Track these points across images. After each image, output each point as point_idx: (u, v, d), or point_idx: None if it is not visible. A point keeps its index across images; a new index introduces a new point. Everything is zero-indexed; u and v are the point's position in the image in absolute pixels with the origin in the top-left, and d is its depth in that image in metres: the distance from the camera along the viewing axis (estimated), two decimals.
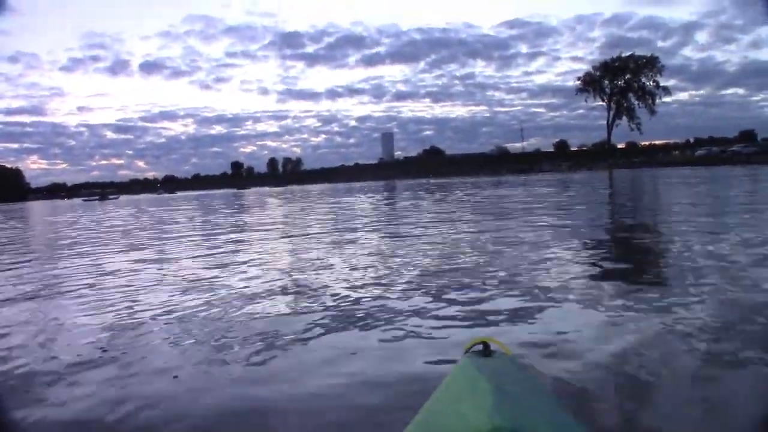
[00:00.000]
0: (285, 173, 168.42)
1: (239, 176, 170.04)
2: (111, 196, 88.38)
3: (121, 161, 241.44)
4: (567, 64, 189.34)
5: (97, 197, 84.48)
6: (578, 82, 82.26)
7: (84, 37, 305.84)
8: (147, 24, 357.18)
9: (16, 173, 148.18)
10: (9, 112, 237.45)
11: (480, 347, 1.55)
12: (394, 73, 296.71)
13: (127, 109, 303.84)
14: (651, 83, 76.24)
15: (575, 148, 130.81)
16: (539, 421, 1.06)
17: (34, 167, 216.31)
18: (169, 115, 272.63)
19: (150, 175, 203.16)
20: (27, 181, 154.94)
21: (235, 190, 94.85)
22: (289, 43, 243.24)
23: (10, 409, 2.83)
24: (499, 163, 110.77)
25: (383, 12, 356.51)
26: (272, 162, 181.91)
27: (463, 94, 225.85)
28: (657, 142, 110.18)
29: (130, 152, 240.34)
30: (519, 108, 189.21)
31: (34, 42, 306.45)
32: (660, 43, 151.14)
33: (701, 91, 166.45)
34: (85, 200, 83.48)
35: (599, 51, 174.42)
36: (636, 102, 77.42)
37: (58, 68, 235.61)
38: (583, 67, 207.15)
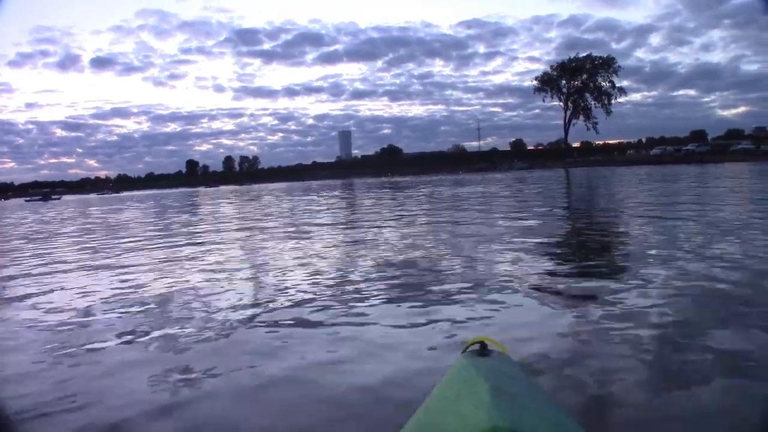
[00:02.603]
0: (242, 172, 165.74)
1: (194, 175, 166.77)
2: (54, 197, 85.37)
3: (72, 159, 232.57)
4: (524, 65, 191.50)
5: (39, 197, 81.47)
6: (536, 82, 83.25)
7: (32, 31, 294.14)
8: (98, 18, 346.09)
9: None
10: None
11: (477, 347, 1.54)
12: (352, 71, 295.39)
13: (77, 106, 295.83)
14: (607, 84, 77.40)
15: (531, 147, 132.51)
16: (537, 421, 1.05)
17: None
18: (122, 113, 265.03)
19: (102, 173, 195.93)
20: None
21: (190, 189, 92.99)
22: (245, 39, 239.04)
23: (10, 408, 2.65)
24: (456, 161, 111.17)
25: (341, 10, 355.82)
26: (228, 160, 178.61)
27: (421, 93, 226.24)
28: (611, 142, 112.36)
29: (81, 150, 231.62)
30: (476, 107, 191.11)
31: None
32: (614, 45, 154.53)
33: (654, 92, 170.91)
34: (27, 200, 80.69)
35: (556, 52, 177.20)
36: (592, 102, 78.50)
37: (6, 63, 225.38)
38: (540, 68, 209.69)
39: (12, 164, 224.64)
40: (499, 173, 66.04)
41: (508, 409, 1.02)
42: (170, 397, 2.72)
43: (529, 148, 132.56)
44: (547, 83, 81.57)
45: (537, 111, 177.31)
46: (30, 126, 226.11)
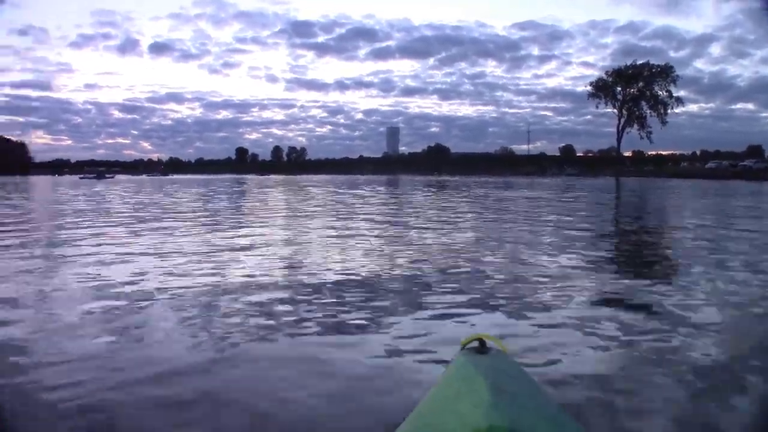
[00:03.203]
0: (289, 162, 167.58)
1: (243, 162, 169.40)
2: (108, 176, 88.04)
3: (127, 141, 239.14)
4: (578, 69, 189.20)
5: (94, 175, 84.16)
6: (590, 88, 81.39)
7: (94, 14, 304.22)
8: (158, 4, 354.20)
9: (21, 147, 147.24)
10: (15, 85, 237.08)
11: (476, 344, 1.53)
12: (403, 68, 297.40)
13: (134, 89, 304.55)
14: (664, 93, 75.46)
15: (581, 154, 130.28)
16: (536, 419, 1.05)
17: (39, 142, 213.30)
18: (176, 98, 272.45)
19: (154, 156, 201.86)
20: (31, 155, 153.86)
21: (236, 176, 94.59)
22: (299, 31, 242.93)
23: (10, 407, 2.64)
24: (504, 164, 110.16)
25: (396, 6, 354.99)
26: (277, 150, 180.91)
27: (471, 93, 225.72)
28: (664, 152, 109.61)
29: (136, 132, 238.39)
30: (527, 110, 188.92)
31: (43, 16, 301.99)
32: (672, 54, 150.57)
33: (711, 104, 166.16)
34: (81, 177, 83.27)
35: (611, 58, 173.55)
36: (648, 111, 76.66)
37: (67, 44, 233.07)
38: (594, 73, 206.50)
39: (69, 142, 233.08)
40: (547, 178, 65.14)
41: (507, 407, 1.02)
42: None
43: (578, 154, 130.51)
44: (601, 89, 79.83)
45: (589, 117, 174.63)
46: (89, 106, 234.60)
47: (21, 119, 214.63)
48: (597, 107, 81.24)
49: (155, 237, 8.99)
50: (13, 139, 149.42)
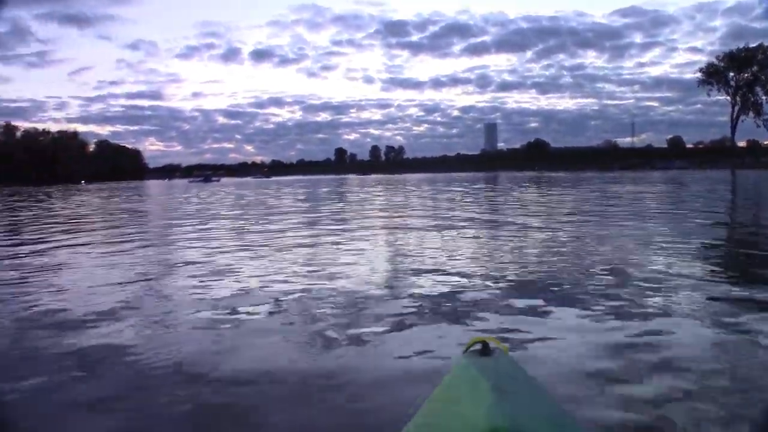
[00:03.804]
0: (387, 161, 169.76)
1: (342, 162, 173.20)
2: (214, 178, 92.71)
3: (232, 145, 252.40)
4: (684, 56, 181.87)
5: (201, 179, 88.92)
6: (700, 74, 77.48)
7: (199, 26, 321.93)
8: (257, 13, 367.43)
9: (136, 154, 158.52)
10: (130, 96, 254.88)
11: (479, 346, 1.51)
12: (499, 62, 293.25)
13: (237, 96, 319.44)
14: None
15: (690, 146, 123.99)
16: (539, 421, 1.05)
17: (152, 148, 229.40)
18: (277, 102, 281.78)
19: (258, 159, 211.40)
20: (145, 161, 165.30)
21: (337, 177, 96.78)
22: (394, 31, 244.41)
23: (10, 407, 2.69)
24: (608, 158, 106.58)
25: (490, 0, 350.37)
26: (375, 150, 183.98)
27: (571, 86, 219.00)
28: None
29: (239, 137, 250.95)
30: (630, 101, 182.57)
31: (152, 30, 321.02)
32: None
33: None
34: (191, 181, 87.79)
35: (720, 42, 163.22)
36: (764, 97, 72.12)
37: (175, 55, 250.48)
38: (702, 59, 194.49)
39: (179, 147, 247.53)
40: (657, 172, 61.71)
41: (510, 409, 1.02)
42: None
43: (687, 146, 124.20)
44: (712, 75, 75.77)
45: (698, 106, 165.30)
46: (195, 113, 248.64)
47: (135, 128, 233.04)
48: (708, 95, 77.37)
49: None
50: (129, 146, 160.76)
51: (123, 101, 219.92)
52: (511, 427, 0.94)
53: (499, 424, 0.94)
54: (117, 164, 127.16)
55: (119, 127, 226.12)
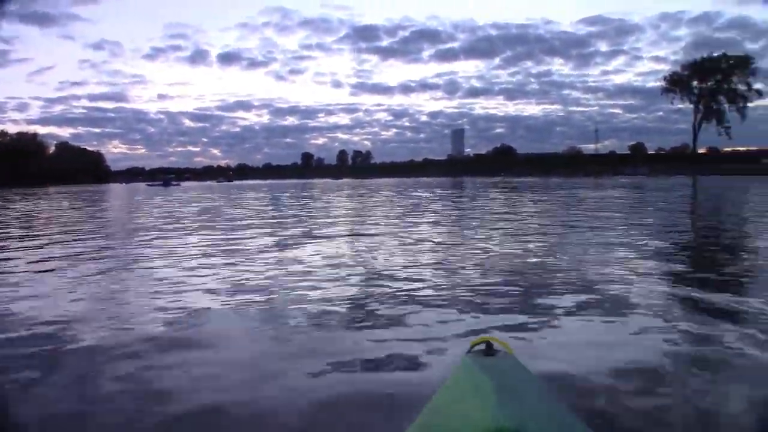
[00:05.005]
0: (354, 166, 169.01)
1: (309, 167, 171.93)
2: (174, 183, 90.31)
3: (197, 148, 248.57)
4: (648, 64, 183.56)
5: (160, 183, 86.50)
6: (663, 83, 78.53)
7: (166, 27, 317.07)
8: (226, 15, 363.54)
9: (98, 156, 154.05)
10: (93, 97, 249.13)
11: (483, 346, 1.52)
12: (468, 68, 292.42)
13: (204, 98, 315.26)
14: (743, 86, 71.81)
15: (652, 152, 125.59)
16: (543, 422, 1.04)
17: (116, 151, 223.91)
18: (245, 105, 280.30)
19: (223, 162, 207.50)
20: (107, 164, 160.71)
21: (302, 181, 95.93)
22: (363, 36, 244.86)
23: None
24: (572, 164, 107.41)
25: (460, 7, 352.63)
26: (342, 154, 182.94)
27: (537, 93, 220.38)
28: (740, 149, 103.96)
29: (206, 140, 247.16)
30: (595, 108, 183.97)
31: (117, 30, 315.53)
32: (749, 45, 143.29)
33: None
34: (149, 185, 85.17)
35: (684, 51, 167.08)
36: (726, 105, 73.14)
37: (141, 56, 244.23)
38: (666, 68, 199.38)
39: (143, 151, 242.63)
40: (624, 178, 62.35)
41: (514, 409, 1.01)
42: None
43: (649, 152, 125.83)
44: (676, 83, 76.86)
45: (660, 114, 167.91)
46: (161, 116, 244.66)
47: (98, 130, 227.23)
48: (672, 103, 78.37)
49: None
50: (91, 149, 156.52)
51: (86, 102, 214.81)
52: (517, 428, 0.93)
53: (505, 425, 0.93)
54: (78, 167, 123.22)
55: (81, 129, 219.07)
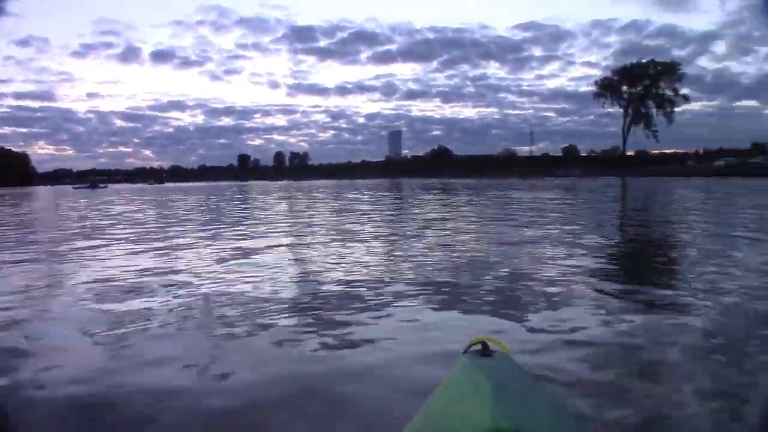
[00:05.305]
0: (291, 167, 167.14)
1: (245, 169, 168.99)
2: (101, 185, 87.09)
3: (129, 149, 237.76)
4: (580, 70, 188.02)
5: (87, 185, 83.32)
6: (595, 87, 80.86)
7: (96, 23, 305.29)
8: (160, 12, 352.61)
9: (24, 158, 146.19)
10: (18, 96, 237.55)
11: (479, 347, 1.52)
12: (405, 71, 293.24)
13: (136, 98, 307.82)
14: (670, 90, 74.60)
15: (584, 154, 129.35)
16: (540, 421, 1.05)
17: (42, 152, 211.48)
18: (178, 105, 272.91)
19: (156, 164, 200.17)
20: (33, 166, 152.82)
21: (238, 183, 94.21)
22: (301, 36, 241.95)
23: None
24: (507, 165, 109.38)
25: (397, 9, 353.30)
26: (279, 156, 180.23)
27: (474, 96, 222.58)
28: (667, 151, 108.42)
29: (138, 141, 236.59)
30: (530, 111, 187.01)
31: (45, 26, 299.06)
32: (676, 52, 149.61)
33: (714, 102, 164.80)
34: (75, 188, 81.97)
35: (614, 57, 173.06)
36: (654, 109, 75.84)
37: (69, 53, 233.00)
38: (597, 73, 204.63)
39: (71, 152, 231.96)
40: (558, 179, 63.98)
41: (511, 409, 1.00)
42: None
43: (582, 155, 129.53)
44: (607, 88, 79.12)
45: (591, 117, 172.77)
46: (90, 115, 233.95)
47: (23, 130, 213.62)
48: (603, 107, 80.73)
49: None
50: (15, 150, 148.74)
51: (10, 101, 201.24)
52: (515, 428, 0.93)
53: (503, 425, 0.93)
54: (0, 169, 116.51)
55: (6, 129, 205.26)
